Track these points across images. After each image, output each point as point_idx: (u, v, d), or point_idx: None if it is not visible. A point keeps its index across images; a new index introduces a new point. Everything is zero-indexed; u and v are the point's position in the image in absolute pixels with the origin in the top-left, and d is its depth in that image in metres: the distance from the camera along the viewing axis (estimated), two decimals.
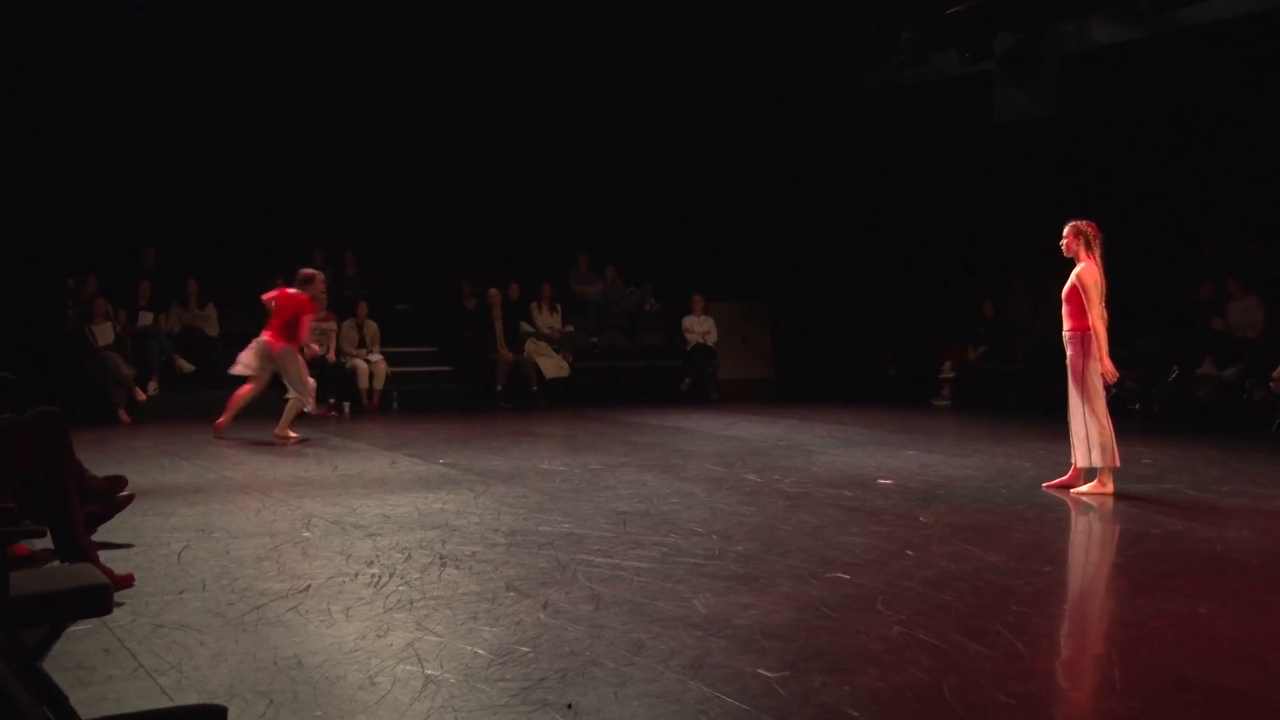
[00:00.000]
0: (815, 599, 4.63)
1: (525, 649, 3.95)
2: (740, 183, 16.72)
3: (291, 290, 10.29)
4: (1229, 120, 13.99)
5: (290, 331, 10.09)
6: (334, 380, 13.09)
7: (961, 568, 5.21)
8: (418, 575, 5.04)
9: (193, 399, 12.68)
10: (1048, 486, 7.58)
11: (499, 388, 14.08)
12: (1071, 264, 7.42)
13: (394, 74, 14.87)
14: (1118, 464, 7.34)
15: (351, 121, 15.09)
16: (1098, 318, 7.26)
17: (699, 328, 15.57)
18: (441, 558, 5.39)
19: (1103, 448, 7.29)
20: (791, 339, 17.43)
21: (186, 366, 12.96)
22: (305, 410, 10.37)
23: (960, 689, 3.58)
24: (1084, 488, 7.39)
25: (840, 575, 5.05)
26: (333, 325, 13.41)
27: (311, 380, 10.37)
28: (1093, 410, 7.29)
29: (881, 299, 17.20)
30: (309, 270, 10.62)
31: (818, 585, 4.87)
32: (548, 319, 14.98)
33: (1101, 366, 7.28)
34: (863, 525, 6.25)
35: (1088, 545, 6.38)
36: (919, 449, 9.77)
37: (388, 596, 4.67)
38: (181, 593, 4.74)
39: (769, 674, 3.70)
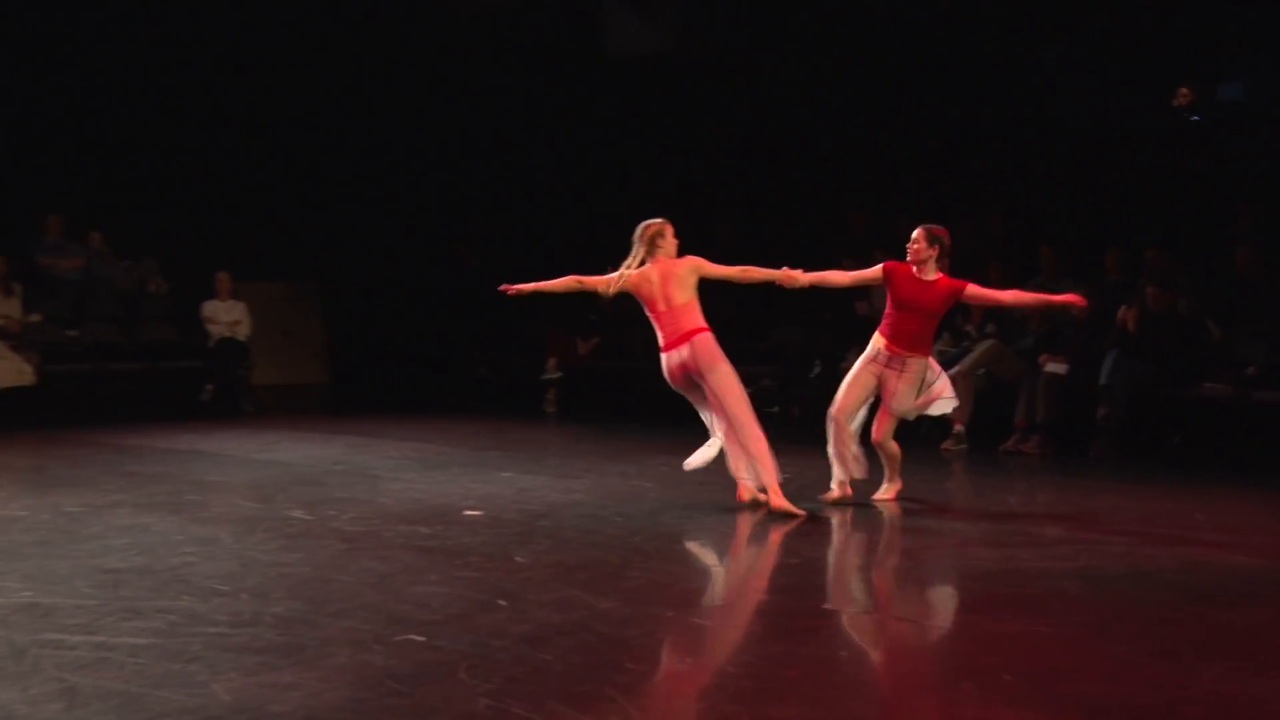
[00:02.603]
0: (380, 670, 4.63)
1: None
2: (279, 124, 16.38)
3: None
4: (878, 68, 15.34)
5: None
6: None
7: (566, 619, 5.37)
8: None
9: None
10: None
11: None
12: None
13: None
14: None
15: None
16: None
17: (225, 317, 15.32)
18: None
19: (759, 458, 7.82)
20: (352, 331, 17.35)
21: None
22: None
23: None
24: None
25: (413, 637, 5.08)
26: None
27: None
28: (740, 419, 7.79)
29: (469, 279, 17.45)
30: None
31: (383, 652, 4.87)
32: (2, 305, 14.28)
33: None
34: (443, 571, 6.32)
35: (716, 584, 6.77)
36: (516, 470, 10.01)
37: None
38: None
39: None
